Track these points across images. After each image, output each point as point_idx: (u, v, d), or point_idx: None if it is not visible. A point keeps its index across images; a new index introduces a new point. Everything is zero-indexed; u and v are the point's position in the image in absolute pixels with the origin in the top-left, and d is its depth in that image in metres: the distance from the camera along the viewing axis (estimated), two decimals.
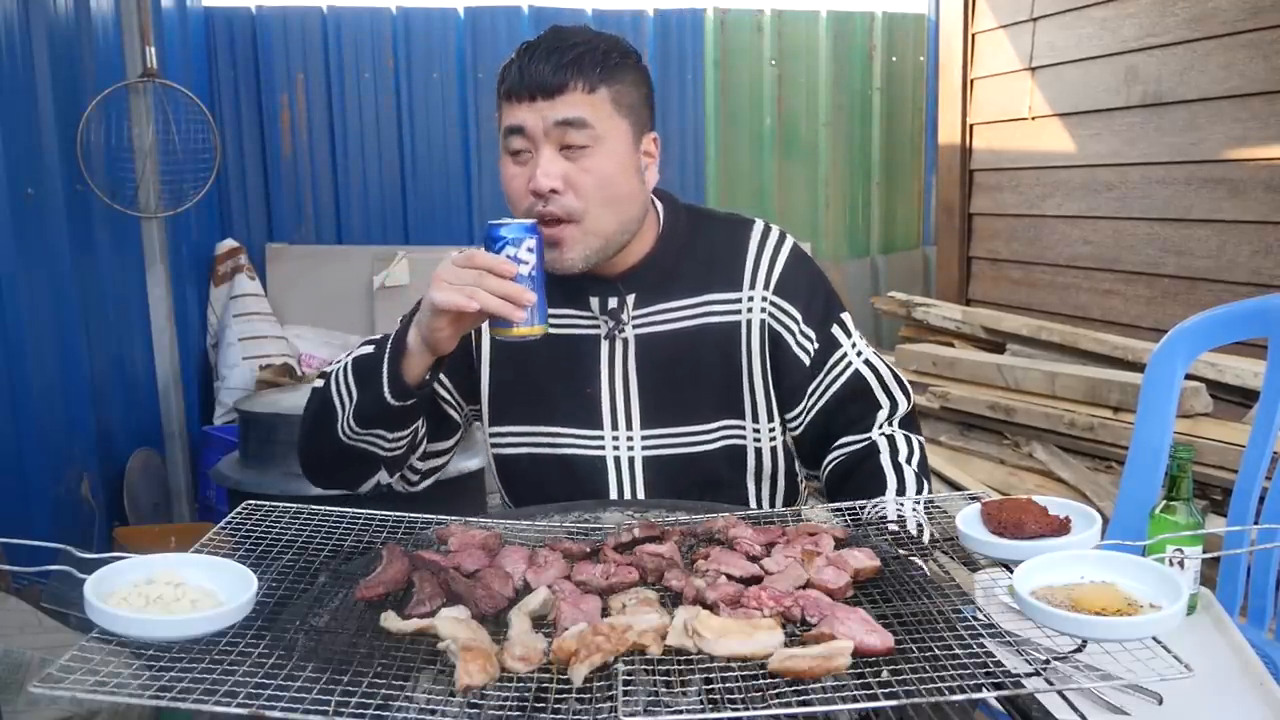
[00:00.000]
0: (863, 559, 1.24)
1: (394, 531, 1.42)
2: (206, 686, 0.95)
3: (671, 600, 1.18)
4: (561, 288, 1.56)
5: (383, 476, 1.65)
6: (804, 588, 1.18)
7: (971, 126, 5.10)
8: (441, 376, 1.65)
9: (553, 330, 1.51)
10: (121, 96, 3.85)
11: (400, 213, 5.41)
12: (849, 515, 1.47)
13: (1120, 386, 3.21)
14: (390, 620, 1.11)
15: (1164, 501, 1.66)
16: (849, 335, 1.70)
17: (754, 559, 1.27)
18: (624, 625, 1.05)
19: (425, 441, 1.70)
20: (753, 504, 1.72)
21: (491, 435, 1.70)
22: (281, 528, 1.37)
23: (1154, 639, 1.02)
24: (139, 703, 0.93)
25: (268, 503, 1.44)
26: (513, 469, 1.70)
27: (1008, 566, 1.22)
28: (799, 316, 1.66)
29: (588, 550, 1.31)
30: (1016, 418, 3.46)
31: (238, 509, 1.42)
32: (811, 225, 5.83)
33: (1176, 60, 3.87)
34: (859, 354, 1.70)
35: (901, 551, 1.33)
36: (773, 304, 1.65)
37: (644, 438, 1.64)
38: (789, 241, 1.71)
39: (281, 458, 2.86)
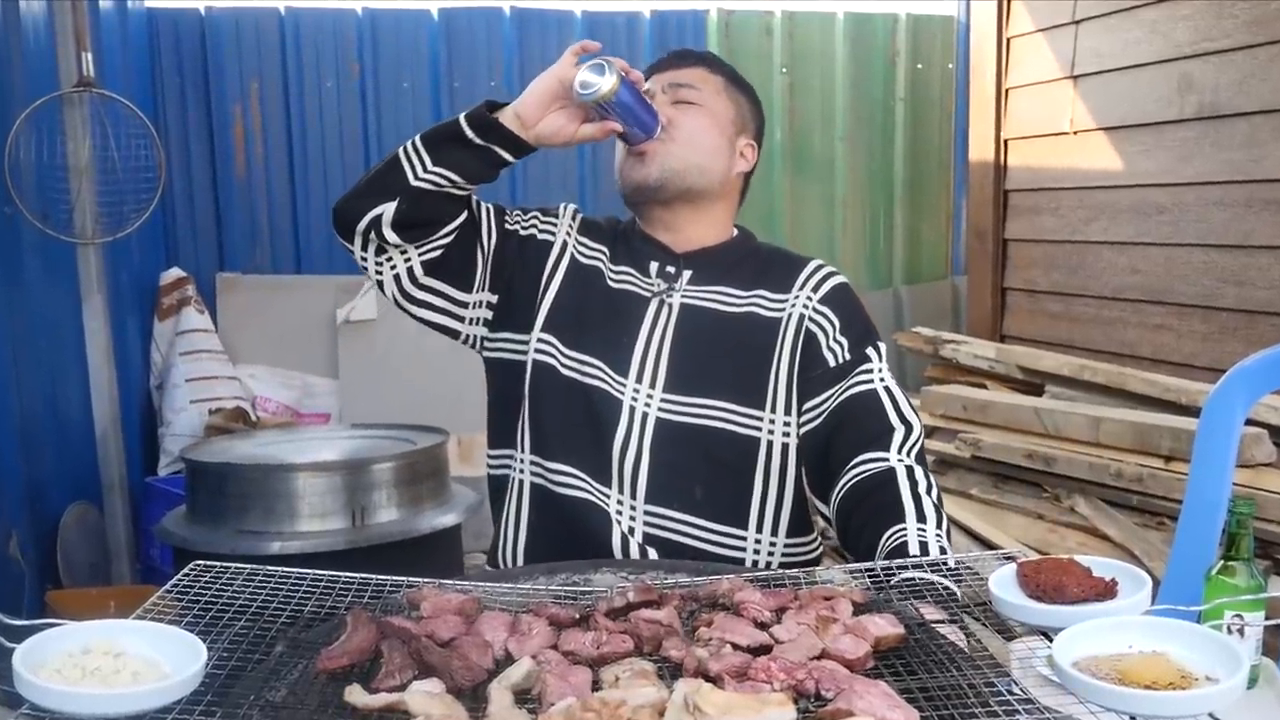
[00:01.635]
0: (884, 626, 1.25)
1: (359, 595, 1.42)
2: None
3: (670, 673, 1.19)
4: (630, 251, 2.02)
5: (387, 211, 1.85)
6: (818, 658, 1.18)
7: (1006, 141, 5.13)
8: (494, 229, 2.00)
9: (613, 285, 1.99)
10: (54, 108, 3.86)
11: None
12: (869, 577, 1.48)
13: (1173, 433, 3.21)
14: (355, 695, 1.11)
15: (1222, 561, 1.67)
16: (880, 359, 1.97)
17: (762, 626, 1.27)
18: (617, 700, 1.05)
19: (441, 251, 1.92)
20: (755, 498, 1.92)
21: (538, 340, 1.99)
22: (234, 591, 1.38)
23: (1210, 716, 1.02)
24: None
25: (218, 563, 1.45)
26: (543, 379, 1.96)
27: (1047, 635, 1.23)
28: (836, 324, 1.97)
29: (577, 616, 1.32)
30: (1056, 468, 3.46)
31: (185, 570, 1.43)
32: (827, 251, 5.79)
33: (1235, 68, 3.91)
34: (882, 379, 1.93)
35: (932, 577, 1.43)
36: (815, 308, 1.98)
37: (662, 399, 1.92)
38: (842, 276, 2.06)
39: (234, 512, 2.83)
